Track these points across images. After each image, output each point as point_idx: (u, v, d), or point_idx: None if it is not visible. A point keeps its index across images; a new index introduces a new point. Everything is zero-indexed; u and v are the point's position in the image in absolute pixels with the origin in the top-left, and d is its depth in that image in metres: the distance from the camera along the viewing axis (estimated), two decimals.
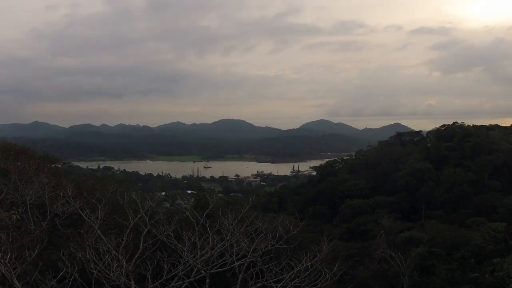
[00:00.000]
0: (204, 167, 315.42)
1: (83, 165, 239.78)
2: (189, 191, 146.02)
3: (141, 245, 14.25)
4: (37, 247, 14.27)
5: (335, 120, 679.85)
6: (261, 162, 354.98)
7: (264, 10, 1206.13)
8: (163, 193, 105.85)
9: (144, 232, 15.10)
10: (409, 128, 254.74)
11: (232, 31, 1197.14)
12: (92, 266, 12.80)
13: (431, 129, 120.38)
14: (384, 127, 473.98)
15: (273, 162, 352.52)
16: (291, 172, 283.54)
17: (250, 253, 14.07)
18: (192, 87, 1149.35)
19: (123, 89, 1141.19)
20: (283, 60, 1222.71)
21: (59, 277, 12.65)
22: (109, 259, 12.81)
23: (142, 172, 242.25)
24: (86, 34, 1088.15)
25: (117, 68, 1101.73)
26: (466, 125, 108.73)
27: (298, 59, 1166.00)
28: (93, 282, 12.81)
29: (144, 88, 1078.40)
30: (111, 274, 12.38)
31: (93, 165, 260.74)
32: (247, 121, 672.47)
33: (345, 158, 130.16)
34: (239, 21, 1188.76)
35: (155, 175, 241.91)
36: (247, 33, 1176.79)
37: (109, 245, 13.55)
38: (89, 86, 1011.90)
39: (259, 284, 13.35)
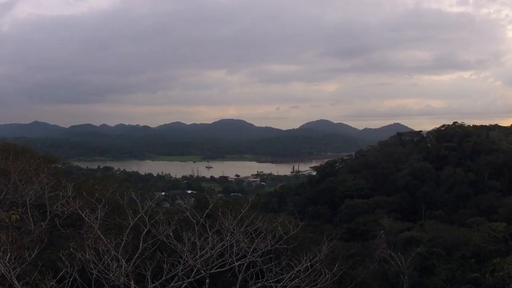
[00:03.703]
0: (206, 167, 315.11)
1: (83, 165, 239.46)
2: (189, 191, 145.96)
3: (140, 245, 14.23)
4: (37, 247, 14.30)
5: (335, 120, 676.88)
6: (261, 162, 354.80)
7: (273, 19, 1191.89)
8: (163, 193, 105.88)
9: (144, 232, 15.08)
10: (409, 128, 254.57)
11: (250, 38, 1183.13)
12: (92, 266, 12.80)
13: (431, 129, 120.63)
14: (384, 127, 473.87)
15: (273, 162, 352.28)
16: (291, 172, 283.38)
17: (250, 253, 14.07)
18: (192, 87, 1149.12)
19: (123, 89, 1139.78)
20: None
21: (58, 277, 12.66)
22: (108, 259, 12.80)
23: (142, 172, 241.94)
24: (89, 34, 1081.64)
25: (118, 69, 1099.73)
26: (466, 125, 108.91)
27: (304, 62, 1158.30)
28: (93, 282, 12.81)
29: (144, 88, 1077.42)
30: (111, 274, 12.38)
31: (93, 165, 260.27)
32: (247, 121, 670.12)
33: (345, 158, 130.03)
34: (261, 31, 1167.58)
35: (155, 175, 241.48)
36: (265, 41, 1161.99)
37: (109, 245, 13.55)
38: (90, 86, 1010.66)
39: (259, 284, 13.35)
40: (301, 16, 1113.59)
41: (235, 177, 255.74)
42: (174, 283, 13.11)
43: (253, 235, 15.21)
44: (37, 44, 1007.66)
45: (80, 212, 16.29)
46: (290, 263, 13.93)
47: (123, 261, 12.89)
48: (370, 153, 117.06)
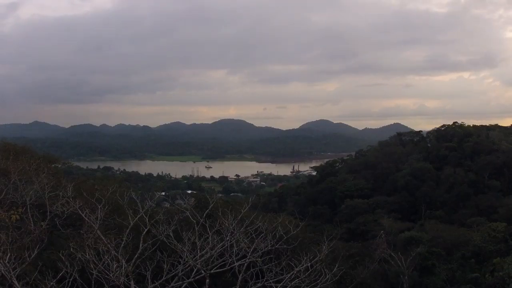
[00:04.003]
0: (206, 167, 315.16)
1: (83, 165, 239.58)
2: (189, 191, 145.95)
3: (140, 245, 14.23)
4: (37, 247, 14.28)
5: (335, 120, 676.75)
6: (261, 162, 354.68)
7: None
8: (163, 193, 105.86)
9: (144, 232, 15.08)
10: (409, 128, 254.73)
11: (250, 39, 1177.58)
12: (92, 266, 12.79)
13: (431, 129, 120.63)
14: (384, 127, 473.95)
15: (273, 162, 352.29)
16: (291, 172, 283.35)
17: (250, 253, 14.05)
18: (192, 87, 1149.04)
19: (123, 89, 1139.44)
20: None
21: (58, 277, 12.64)
22: (108, 260, 12.79)
23: (142, 172, 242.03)
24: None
25: (118, 69, 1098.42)
26: (466, 125, 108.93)
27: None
28: (93, 283, 12.81)
29: (144, 88, 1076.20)
30: (111, 275, 12.37)
31: (93, 165, 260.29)
32: (247, 121, 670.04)
33: (345, 158, 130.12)
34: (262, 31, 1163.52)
35: (155, 175, 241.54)
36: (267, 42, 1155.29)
37: (109, 245, 13.54)
38: (90, 86, 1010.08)
39: (259, 285, 13.33)
40: (303, 18, 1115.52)
41: (235, 177, 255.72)
42: (174, 283, 13.10)
43: (253, 235, 15.20)
44: (39, 44, 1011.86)
45: (80, 212, 16.28)
46: (290, 263, 13.92)
47: (123, 261, 12.87)
48: (370, 153, 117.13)
